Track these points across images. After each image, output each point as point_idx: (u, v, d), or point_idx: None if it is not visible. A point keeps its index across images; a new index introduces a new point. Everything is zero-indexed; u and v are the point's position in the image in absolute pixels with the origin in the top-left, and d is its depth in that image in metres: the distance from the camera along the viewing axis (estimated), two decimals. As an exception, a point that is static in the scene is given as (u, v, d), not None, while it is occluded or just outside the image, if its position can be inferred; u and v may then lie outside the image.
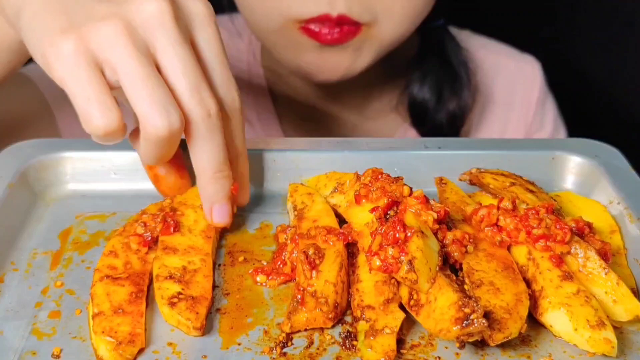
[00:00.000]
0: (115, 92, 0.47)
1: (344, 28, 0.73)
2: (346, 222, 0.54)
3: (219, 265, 0.54)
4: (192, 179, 0.58)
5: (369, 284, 0.49)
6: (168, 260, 0.51)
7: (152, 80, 0.46)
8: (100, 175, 0.63)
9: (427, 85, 0.90)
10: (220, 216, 0.54)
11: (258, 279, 0.52)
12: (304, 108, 0.94)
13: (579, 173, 0.64)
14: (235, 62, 0.96)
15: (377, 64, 0.81)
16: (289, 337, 0.47)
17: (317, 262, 0.50)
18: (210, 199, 0.53)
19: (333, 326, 0.48)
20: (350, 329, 0.48)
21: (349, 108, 0.93)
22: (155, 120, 0.46)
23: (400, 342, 0.47)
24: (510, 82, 0.97)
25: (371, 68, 0.80)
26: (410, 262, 0.46)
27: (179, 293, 0.49)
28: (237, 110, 0.54)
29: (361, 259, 0.51)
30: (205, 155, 0.51)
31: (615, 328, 0.47)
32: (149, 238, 0.53)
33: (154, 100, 0.46)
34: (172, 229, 0.54)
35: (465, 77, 0.91)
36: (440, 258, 0.48)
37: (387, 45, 0.78)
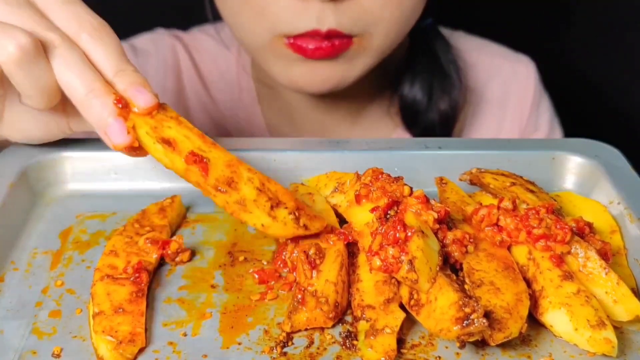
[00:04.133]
0: None
1: (335, 43, 0.72)
2: (346, 222, 0.54)
3: (220, 265, 0.54)
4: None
5: (369, 284, 0.49)
6: None
7: None
8: (100, 175, 0.63)
9: (418, 85, 0.89)
10: (117, 136, 0.51)
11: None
12: (295, 119, 0.93)
13: (579, 173, 0.64)
14: (224, 73, 0.95)
15: (369, 71, 0.80)
16: (289, 337, 0.47)
17: (318, 261, 0.50)
18: (97, 122, 0.51)
19: (333, 326, 0.48)
20: (351, 329, 0.48)
21: (341, 118, 0.93)
22: (5, 44, 0.49)
23: (400, 342, 0.47)
24: (505, 83, 0.97)
25: (364, 76, 0.80)
26: (410, 262, 0.46)
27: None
28: (98, 32, 0.53)
29: (361, 258, 0.51)
30: (69, 79, 0.51)
31: (615, 328, 0.47)
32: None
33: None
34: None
35: (455, 75, 0.91)
36: (440, 258, 0.48)
37: (379, 54, 0.77)
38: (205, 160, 0.50)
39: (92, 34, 0.53)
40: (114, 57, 0.53)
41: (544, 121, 0.97)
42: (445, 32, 0.95)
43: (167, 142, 0.51)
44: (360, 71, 0.78)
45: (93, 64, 0.52)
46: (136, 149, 0.52)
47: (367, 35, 0.74)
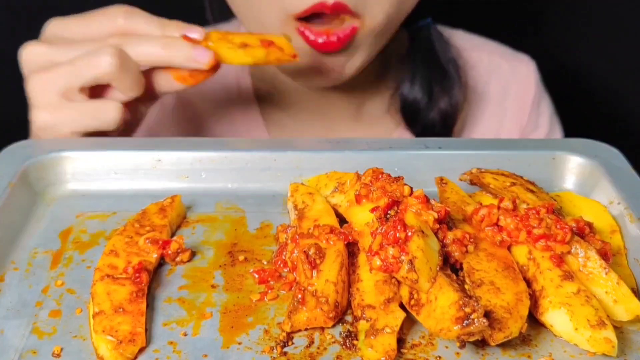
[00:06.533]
0: None
1: (340, 35, 0.73)
2: (347, 222, 0.54)
3: (220, 265, 0.54)
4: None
5: (369, 284, 0.49)
6: None
7: None
8: (100, 175, 0.63)
9: (418, 85, 0.89)
10: (204, 56, 0.66)
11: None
12: (295, 117, 0.93)
13: (579, 173, 0.64)
14: (224, 73, 0.95)
15: (369, 67, 0.80)
16: (289, 337, 0.47)
17: (318, 261, 0.50)
18: (186, 58, 0.65)
19: (333, 325, 0.48)
20: (351, 329, 0.48)
21: (341, 115, 0.93)
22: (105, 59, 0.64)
23: (400, 342, 0.47)
24: (505, 82, 0.97)
25: (364, 72, 0.79)
26: (410, 262, 0.46)
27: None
28: (127, 13, 0.67)
29: (362, 258, 0.51)
30: (147, 51, 0.65)
31: (615, 328, 0.47)
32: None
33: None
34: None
35: (454, 74, 0.91)
36: (440, 258, 0.48)
37: (377, 37, 0.77)
38: (272, 41, 0.68)
39: (126, 18, 0.66)
40: (151, 21, 0.67)
41: (544, 120, 0.97)
42: (446, 30, 0.95)
43: (243, 45, 0.68)
44: (362, 59, 0.78)
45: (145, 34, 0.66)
46: (215, 68, 0.67)
47: (369, 16, 0.74)
